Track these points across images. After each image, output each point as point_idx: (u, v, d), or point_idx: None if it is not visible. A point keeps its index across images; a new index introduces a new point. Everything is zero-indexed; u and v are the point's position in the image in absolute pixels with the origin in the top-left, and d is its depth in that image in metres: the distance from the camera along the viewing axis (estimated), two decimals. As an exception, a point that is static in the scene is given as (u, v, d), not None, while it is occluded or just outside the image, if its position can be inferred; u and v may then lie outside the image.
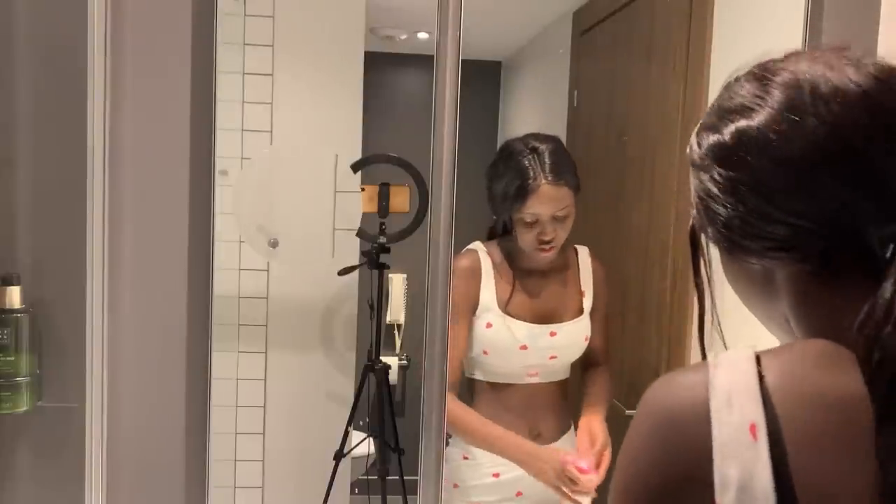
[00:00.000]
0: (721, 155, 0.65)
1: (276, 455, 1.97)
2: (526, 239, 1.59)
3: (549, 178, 1.53)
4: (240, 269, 1.94)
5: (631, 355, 1.95)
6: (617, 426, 1.75)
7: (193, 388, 1.36)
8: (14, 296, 1.34)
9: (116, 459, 1.33)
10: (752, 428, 0.56)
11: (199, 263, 1.36)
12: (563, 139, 2.55)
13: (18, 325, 1.34)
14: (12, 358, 1.33)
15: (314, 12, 1.94)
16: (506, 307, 1.62)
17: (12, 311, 1.34)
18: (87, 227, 1.29)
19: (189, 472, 1.36)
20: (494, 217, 1.68)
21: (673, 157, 1.80)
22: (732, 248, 0.67)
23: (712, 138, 0.66)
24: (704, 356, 0.69)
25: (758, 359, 0.59)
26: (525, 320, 1.63)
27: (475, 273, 1.62)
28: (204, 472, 1.40)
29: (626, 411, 1.82)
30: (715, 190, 0.65)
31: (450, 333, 1.56)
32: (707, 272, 0.73)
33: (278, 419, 1.98)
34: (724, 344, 0.70)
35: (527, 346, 1.62)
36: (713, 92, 1.69)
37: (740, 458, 0.55)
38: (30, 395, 1.35)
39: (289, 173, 1.80)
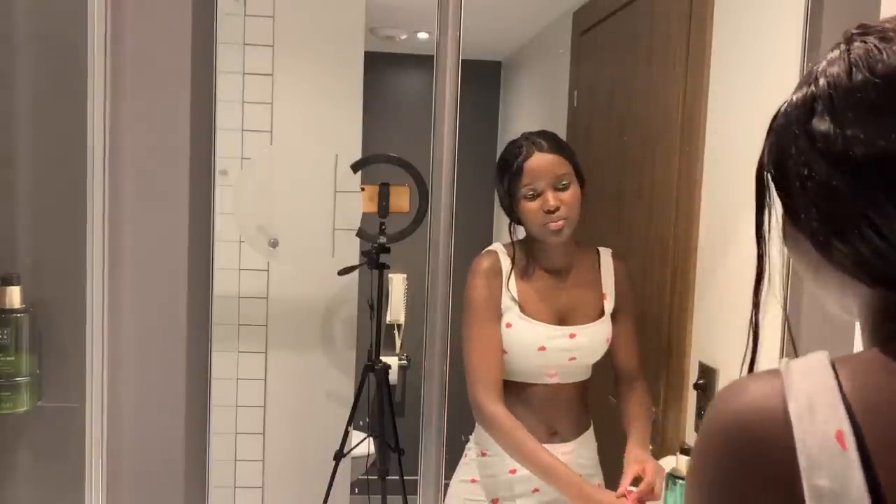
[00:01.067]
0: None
1: (276, 455, 1.97)
2: (533, 218, 1.58)
3: (542, 148, 1.59)
4: (240, 269, 1.94)
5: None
6: (617, 426, 1.75)
7: (193, 388, 1.36)
8: (14, 296, 1.34)
9: (116, 459, 1.33)
10: (839, 436, 0.54)
11: (199, 263, 1.36)
12: (563, 139, 2.56)
13: (18, 325, 1.34)
14: (12, 358, 1.33)
15: (314, 12, 1.94)
16: (525, 308, 1.62)
17: (12, 311, 1.34)
18: (87, 227, 1.29)
19: (189, 472, 1.36)
20: (508, 216, 1.67)
21: (673, 157, 1.80)
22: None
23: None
24: (757, 325, 0.67)
25: (832, 365, 0.58)
26: (544, 321, 1.63)
27: (496, 273, 1.62)
28: (204, 472, 1.40)
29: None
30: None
31: (481, 335, 1.59)
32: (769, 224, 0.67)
33: (278, 419, 1.98)
34: (789, 326, 0.66)
35: (545, 346, 1.62)
36: (713, 92, 1.69)
37: (831, 468, 0.54)
38: (30, 395, 1.35)
39: (289, 173, 1.80)
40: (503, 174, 1.62)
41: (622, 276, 1.72)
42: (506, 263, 1.63)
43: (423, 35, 3.13)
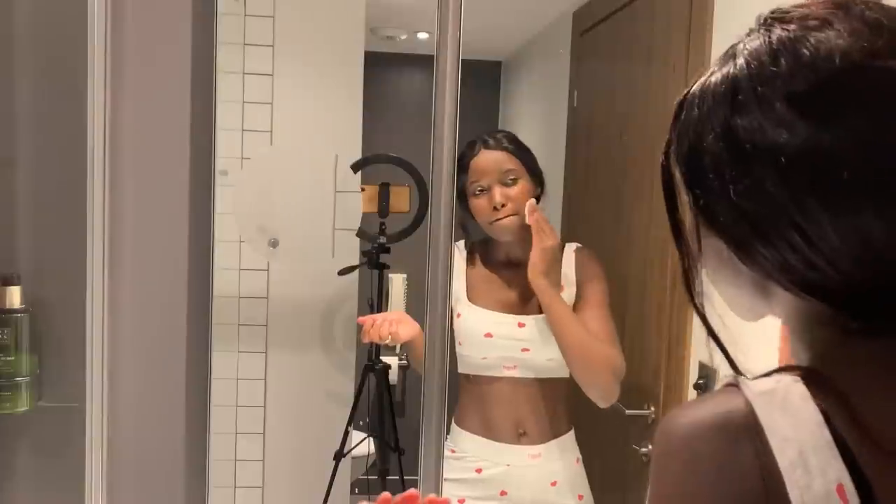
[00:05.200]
0: None
1: (276, 455, 1.97)
2: (482, 213, 1.61)
3: (488, 144, 1.62)
4: (240, 269, 1.93)
5: (631, 355, 1.95)
6: (618, 427, 1.75)
7: (193, 388, 1.36)
8: (14, 296, 1.35)
9: (116, 459, 1.33)
10: (840, 490, 0.48)
11: (199, 263, 1.36)
12: (563, 139, 2.56)
13: (18, 325, 1.34)
14: (12, 358, 1.33)
15: (314, 12, 1.93)
16: (472, 296, 1.65)
17: (12, 311, 1.34)
18: (87, 227, 1.29)
19: (189, 472, 1.36)
20: (462, 214, 1.68)
21: (673, 157, 1.80)
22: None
23: None
24: (709, 327, 0.62)
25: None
26: (492, 309, 1.64)
27: None
28: (204, 472, 1.40)
29: (627, 411, 1.82)
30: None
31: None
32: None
33: (278, 419, 1.97)
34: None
35: (491, 333, 1.62)
36: (713, 92, 1.69)
37: None
38: (30, 395, 1.35)
39: (289, 173, 1.79)
40: (458, 173, 1.62)
41: (584, 265, 1.66)
42: (458, 256, 1.68)
43: (423, 35, 3.13)
